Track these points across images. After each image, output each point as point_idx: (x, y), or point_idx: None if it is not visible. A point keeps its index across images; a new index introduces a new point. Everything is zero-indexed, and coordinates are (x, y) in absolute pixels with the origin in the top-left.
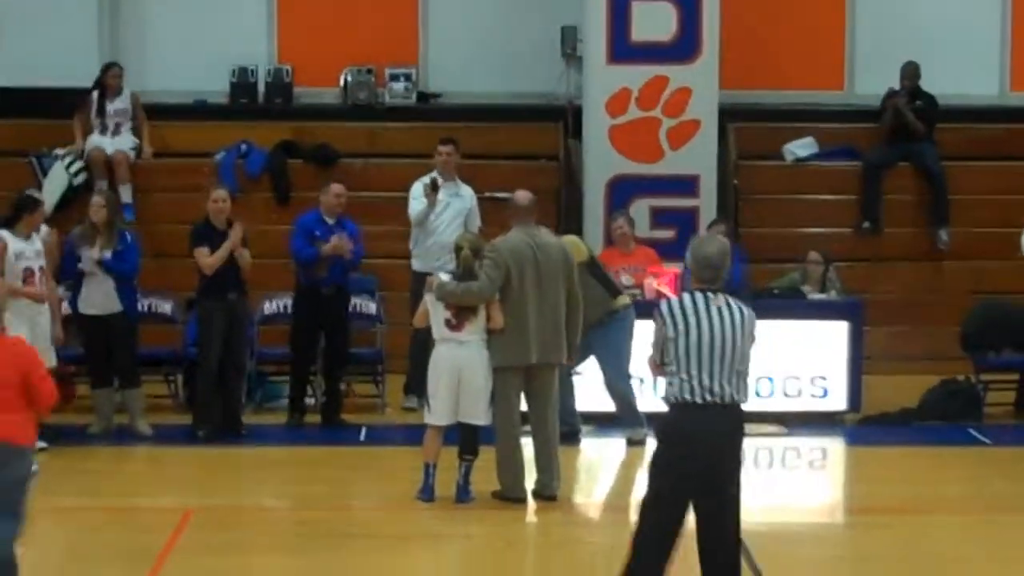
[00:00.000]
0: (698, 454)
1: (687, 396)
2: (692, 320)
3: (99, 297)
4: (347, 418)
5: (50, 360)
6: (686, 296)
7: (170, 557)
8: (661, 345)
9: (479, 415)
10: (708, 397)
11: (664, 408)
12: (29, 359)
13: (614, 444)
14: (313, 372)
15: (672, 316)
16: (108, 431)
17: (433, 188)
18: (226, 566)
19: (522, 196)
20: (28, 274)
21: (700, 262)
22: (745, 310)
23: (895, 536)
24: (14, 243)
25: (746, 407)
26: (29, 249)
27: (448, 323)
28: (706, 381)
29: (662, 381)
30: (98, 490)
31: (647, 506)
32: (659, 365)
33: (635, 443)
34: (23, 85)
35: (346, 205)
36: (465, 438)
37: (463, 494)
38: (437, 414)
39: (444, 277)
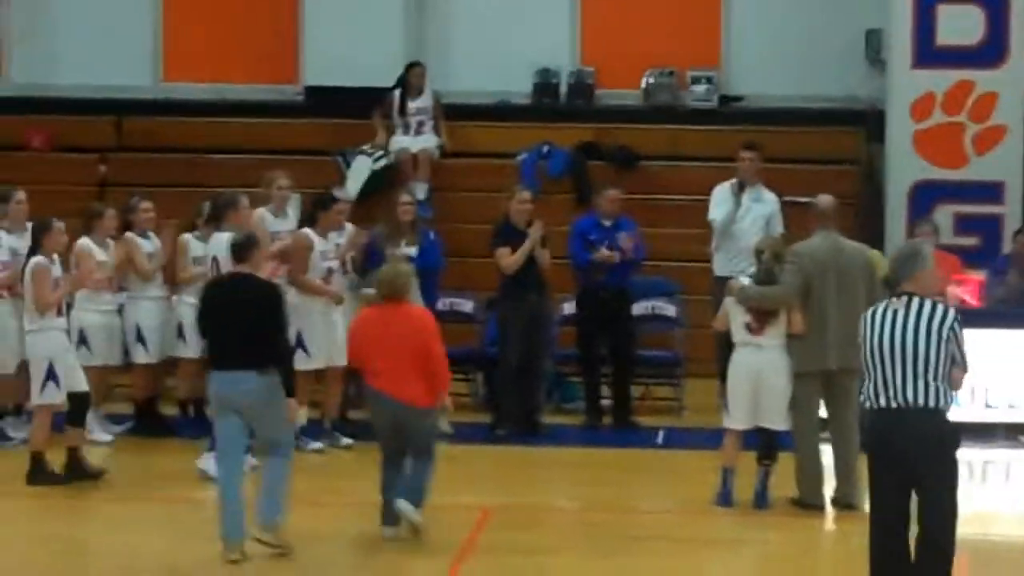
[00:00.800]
0: (894, 458)
1: (879, 402)
2: (877, 326)
3: None
4: (644, 420)
5: (340, 358)
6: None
7: (471, 554)
8: None
9: (778, 420)
10: (895, 402)
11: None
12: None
13: None
14: (606, 374)
15: (863, 323)
16: None
17: (740, 189)
18: (524, 565)
19: (825, 201)
20: (328, 273)
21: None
22: (939, 311)
23: None
24: (317, 243)
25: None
26: (329, 248)
27: (748, 327)
28: (893, 385)
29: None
30: None
31: (871, 511)
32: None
33: None
34: (330, 84)
35: (644, 208)
36: (764, 443)
37: (760, 499)
38: (736, 418)
39: (745, 281)
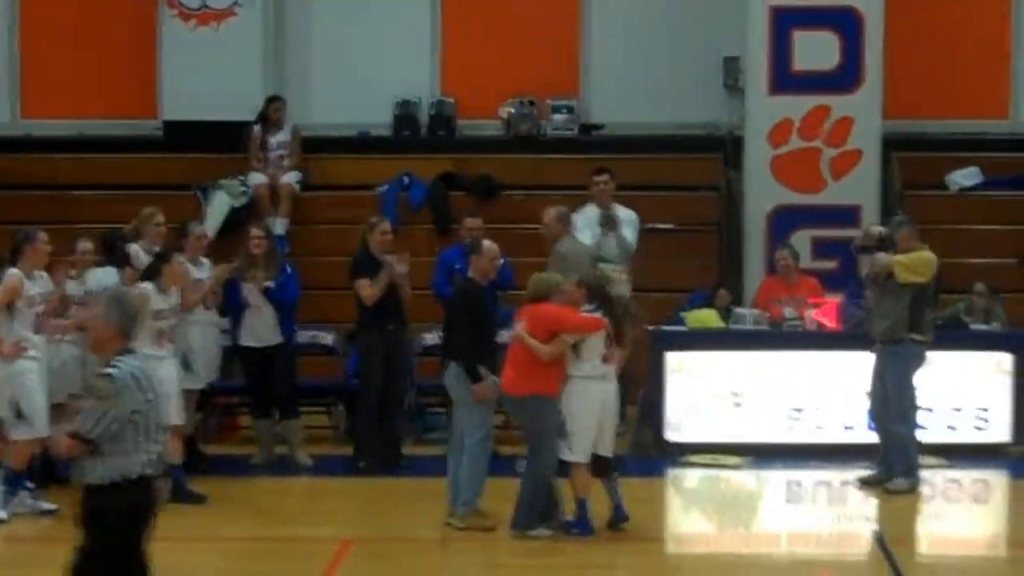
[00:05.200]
0: None
1: None
2: None
3: (260, 328)
4: (503, 450)
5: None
6: None
7: None
8: None
9: (611, 446)
10: None
11: None
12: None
13: None
14: None
15: None
16: (269, 462)
17: (607, 220)
18: None
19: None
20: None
21: None
22: None
23: None
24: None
25: None
26: (166, 308)
27: (604, 358)
28: None
29: None
30: (258, 520)
31: None
32: None
33: None
34: (189, 119)
35: (507, 237)
36: (603, 465)
37: (621, 512)
38: (582, 451)
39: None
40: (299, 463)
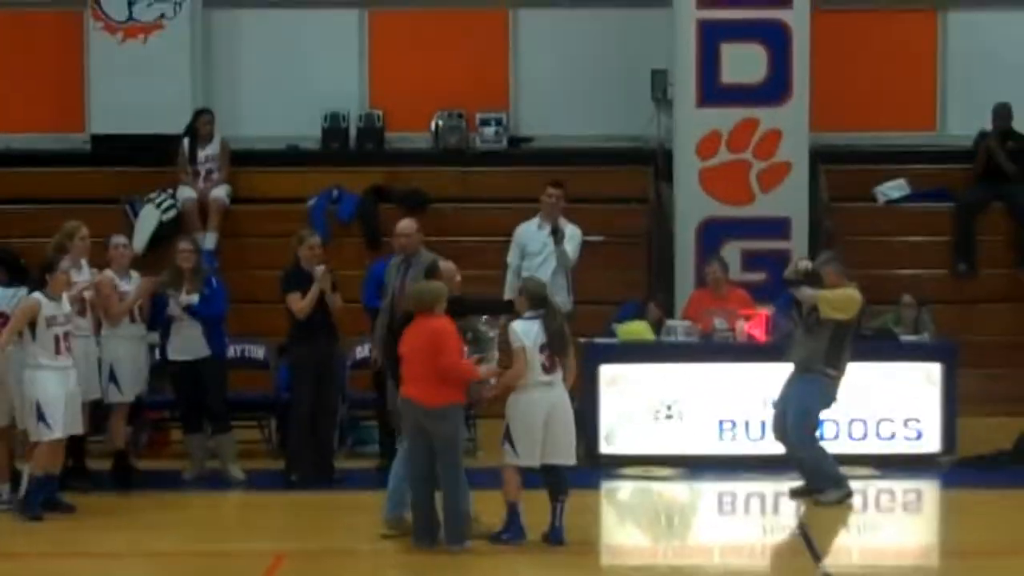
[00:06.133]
0: None
1: None
2: None
3: (188, 343)
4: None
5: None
6: None
7: None
8: None
9: (569, 456)
10: None
11: None
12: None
13: None
14: None
15: None
16: (201, 476)
17: (553, 231)
18: None
19: None
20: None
21: None
22: None
23: None
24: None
25: (838, 449)
26: (58, 314)
27: (543, 366)
28: None
29: None
30: (191, 535)
31: None
32: None
33: None
34: (116, 132)
35: (436, 249)
36: (555, 479)
37: (557, 535)
38: (527, 455)
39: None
40: (231, 477)
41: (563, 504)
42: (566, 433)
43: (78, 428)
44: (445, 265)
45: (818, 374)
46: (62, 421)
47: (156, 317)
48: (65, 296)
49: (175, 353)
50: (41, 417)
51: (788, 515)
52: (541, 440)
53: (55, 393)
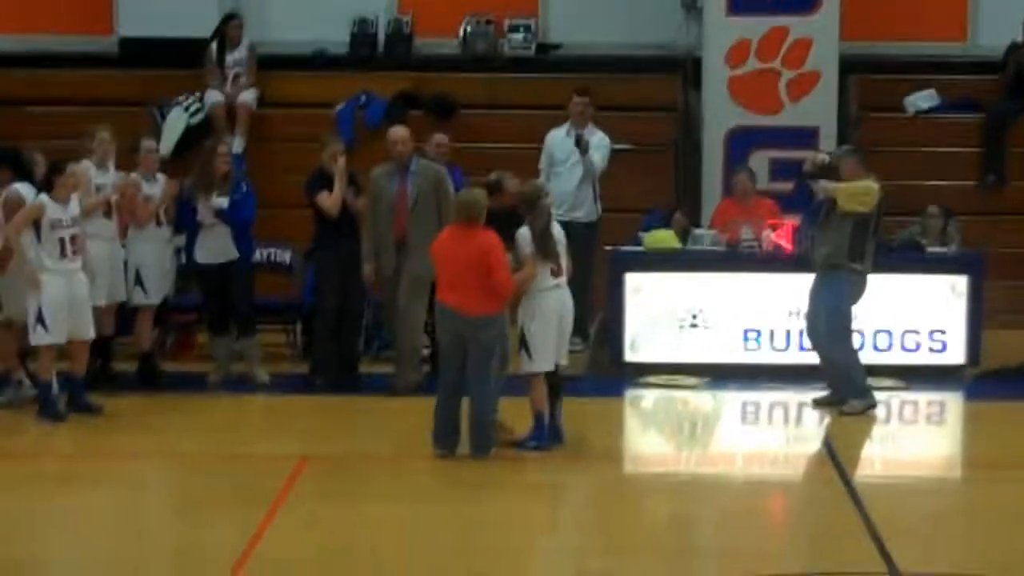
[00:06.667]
0: None
1: None
2: None
3: (216, 246)
4: None
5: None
6: None
7: (284, 503)
8: None
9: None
10: None
11: None
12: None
13: None
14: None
15: None
16: (226, 379)
17: (579, 140)
18: (339, 514)
19: None
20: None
21: None
22: None
23: (1014, 491)
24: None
25: (863, 360)
26: (65, 218)
27: (552, 271)
28: None
29: None
30: (216, 437)
31: None
32: None
33: None
34: (145, 35)
35: (463, 156)
36: (555, 379)
37: (559, 434)
38: (544, 361)
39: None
40: (257, 380)
41: (559, 401)
42: (567, 335)
43: (85, 333)
44: (513, 182)
45: (843, 270)
46: (61, 326)
47: (182, 220)
48: (74, 198)
49: (204, 256)
50: (40, 320)
51: (811, 425)
52: (555, 343)
53: (56, 297)
